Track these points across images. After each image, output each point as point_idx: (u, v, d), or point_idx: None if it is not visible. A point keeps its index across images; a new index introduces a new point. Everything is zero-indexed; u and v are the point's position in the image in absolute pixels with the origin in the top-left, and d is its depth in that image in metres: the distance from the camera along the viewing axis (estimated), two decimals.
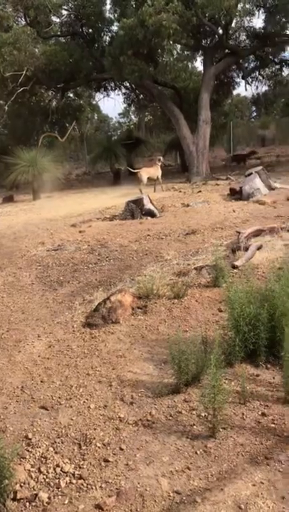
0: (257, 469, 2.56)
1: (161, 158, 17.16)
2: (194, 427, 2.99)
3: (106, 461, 2.74)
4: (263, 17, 19.80)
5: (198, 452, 2.75)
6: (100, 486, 2.55)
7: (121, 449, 2.83)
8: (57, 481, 2.63)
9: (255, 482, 2.47)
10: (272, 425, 2.91)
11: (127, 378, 3.65)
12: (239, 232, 7.40)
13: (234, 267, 5.94)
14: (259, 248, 6.65)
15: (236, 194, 12.68)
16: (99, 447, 2.87)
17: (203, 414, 3.03)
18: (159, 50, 18.40)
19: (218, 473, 2.57)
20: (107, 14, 20.91)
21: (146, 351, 4.08)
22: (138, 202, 10.90)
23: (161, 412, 3.18)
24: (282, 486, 2.42)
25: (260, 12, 19.62)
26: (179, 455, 2.75)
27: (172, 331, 4.31)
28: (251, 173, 12.77)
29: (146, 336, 4.41)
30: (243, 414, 3.05)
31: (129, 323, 4.69)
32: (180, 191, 15.54)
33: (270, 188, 12.66)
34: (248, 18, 19.47)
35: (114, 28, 20.64)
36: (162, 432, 2.98)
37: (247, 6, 17.46)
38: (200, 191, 14.83)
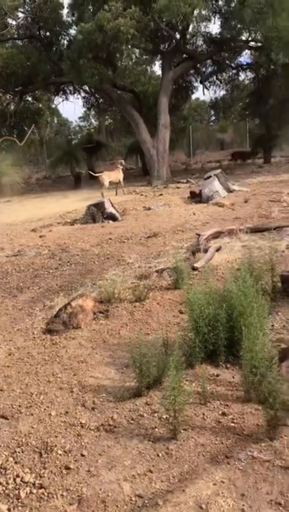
0: (217, 468, 2.59)
1: (123, 161, 17.21)
2: (156, 429, 3.00)
3: (67, 468, 2.71)
4: (218, 23, 20.17)
5: (160, 455, 2.75)
6: (61, 495, 2.52)
7: (82, 456, 2.81)
8: (17, 491, 2.58)
9: (216, 481, 2.49)
10: (232, 424, 2.95)
11: (89, 384, 3.62)
12: (199, 235, 7.50)
13: (194, 268, 6.01)
14: (218, 250, 6.76)
15: (196, 197, 12.86)
16: (60, 455, 2.84)
17: (164, 417, 3.04)
18: (118, 55, 18.46)
19: (180, 474, 2.58)
20: (65, 18, 20.81)
21: (107, 356, 4.07)
22: (99, 206, 10.88)
23: (123, 416, 3.17)
24: (241, 484, 2.46)
25: (216, 18, 19.98)
26: (141, 458, 2.75)
27: (134, 335, 4.31)
28: (210, 176, 12.97)
29: (107, 340, 4.39)
30: (203, 414, 3.08)
31: (90, 328, 4.66)
32: (141, 194, 15.61)
33: (229, 191, 12.89)
34: (204, 23, 19.77)
35: (72, 31, 20.57)
36: (124, 435, 2.97)
37: (203, 12, 17.71)
38: (161, 194, 14.95)
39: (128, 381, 3.55)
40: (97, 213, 10.73)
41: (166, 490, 2.48)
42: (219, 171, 13.83)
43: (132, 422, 3.11)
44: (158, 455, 2.75)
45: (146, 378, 3.38)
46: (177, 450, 2.77)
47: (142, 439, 2.91)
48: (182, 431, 2.92)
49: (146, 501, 2.41)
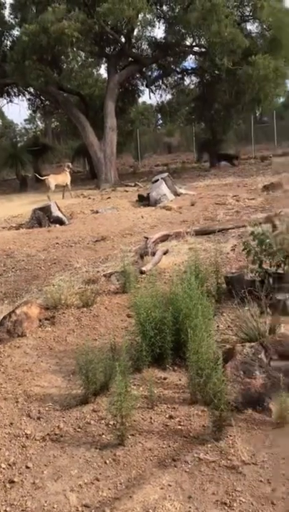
0: (165, 472, 2.59)
1: (70, 164, 17.03)
2: (103, 436, 2.97)
3: (11, 482, 2.63)
4: (163, 27, 20.43)
5: (107, 462, 2.72)
6: (5, 510, 2.44)
7: (27, 468, 2.73)
8: None
9: (163, 485, 2.49)
10: (179, 427, 2.96)
11: (34, 393, 3.54)
12: (147, 238, 7.53)
13: (142, 272, 6.01)
14: (165, 253, 6.81)
15: (144, 200, 12.93)
16: (4, 468, 2.74)
17: (111, 423, 3.02)
18: (63, 57, 18.30)
19: (127, 480, 2.56)
20: (7, 18, 20.38)
21: (54, 363, 3.99)
22: (45, 209, 10.70)
23: (69, 425, 3.12)
24: (188, 486, 2.47)
25: (161, 23, 20.23)
26: (88, 467, 2.70)
27: (81, 341, 4.25)
28: (158, 180, 13.07)
29: (54, 347, 4.31)
30: (151, 418, 3.08)
31: (36, 336, 4.56)
32: (89, 198, 15.51)
33: (176, 194, 13.05)
34: (149, 28, 19.97)
35: (16, 32, 20.18)
36: (71, 444, 2.92)
37: (148, 16, 17.87)
38: (109, 198, 14.92)
39: (75, 388, 3.49)
40: (43, 217, 10.55)
41: (114, 497, 2.45)
42: (166, 174, 13.98)
43: (79, 430, 3.06)
44: (105, 462, 2.72)
45: (93, 385, 3.34)
46: (124, 456, 2.75)
47: (88, 447, 2.87)
48: (130, 436, 2.90)
49: (93, 511, 2.38)
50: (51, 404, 3.37)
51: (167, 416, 3.09)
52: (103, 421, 3.10)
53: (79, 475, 2.64)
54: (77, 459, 2.78)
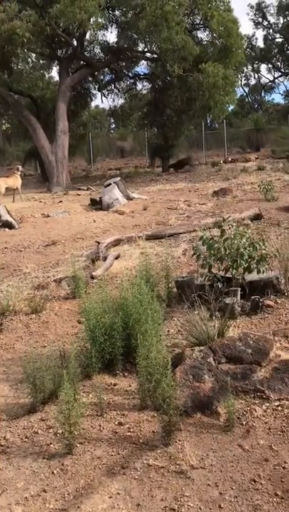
0: (113, 480, 2.56)
1: (20, 167, 16.67)
2: (51, 445, 2.90)
3: None
4: (115, 32, 20.48)
5: (54, 472, 2.66)
6: None
7: None
8: None
9: (112, 494, 2.46)
10: (129, 433, 2.94)
11: None
12: (99, 242, 7.48)
13: (93, 277, 5.97)
14: (117, 257, 6.79)
15: (97, 204, 12.86)
16: None
17: (60, 432, 2.95)
18: (14, 58, 17.96)
19: (75, 490, 2.51)
20: None
21: (1, 372, 3.88)
22: None
23: (16, 435, 3.03)
24: (137, 494, 2.45)
25: (113, 27, 20.27)
26: (35, 478, 2.63)
27: (29, 348, 4.14)
28: (110, 184, 13.04)
29: (1, 355, 4.19)
30: (100, 426, 3.04)
31: None
32: (40, 201, 15.26)
33: (129, 198, 13.06)
34: (101, 32, 19.95)
35: None
36: (17, 455, 2.83)
37: (100, 20, 17.83)
38: (61, 201, 14.73)
39: (22, 397, 3.40)
40: None
41: (61, 509, 2.40)
42: (119, 178, 13.97)
43: (26, 440, 2.98)
44: (53, 473, 2.66)
45: (41, 393, 3.27)
46: (73, 465, 2.70)
47: (36, 458, 2.80)
48: (78, 445, 2.85)
49: None
50: None
51: (117, 423, 3.06)
52: (51, 430, 3.04)
53: (25, 487, 2.57)
54: (23, 470, 2.70)
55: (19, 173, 15.64)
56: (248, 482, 2.47)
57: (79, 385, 3.33)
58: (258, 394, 3.15)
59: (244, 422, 2.94)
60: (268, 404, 3.07)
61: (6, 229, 10.24)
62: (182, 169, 22.12)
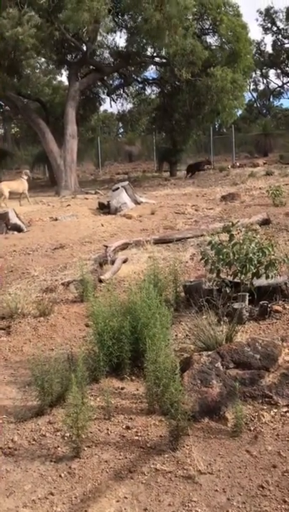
0: (121, 484, 2.55)
1: (28, 171, 16.73)
2: (59, 448, 2.90)
3: None
4: (125, 37, 20.57)
5: (62, 475, 2.66)
6: None
7: None
8: None
9: (119, 498, 2.46)
10: (136, 437, 2.94)
11: None
12: (106, 246, 7.49)
13: (101, 280, 5.97)
14: (125, 261, 6.79)
15: (105, 208, 12.89)
16: None
17: (67, 435, 2.95)
18: (24, 63, 18.10)
19: (83, 494, 2.51)
20: None
21: (9, 374, 3.89)
22: (3, 216, 10.49)
23: (24, 438, 3.04)
24: (144, 498, 2.44)
25: (122, 32, 20.36)
26: (42, 481, 2.64)
27: (37, 351, 4.15)
28: (118, 188, 13.07)
29: (9, 358, 4.20)
30: (107, 429, 3.04)
31: None
32: (48, 205, 15.32)
33: (136, 203, 13.08)
34: (110, 36, 20.06)
35: None
36: (25, 458, 2.84)
37: (109, 24, 17.94)
38: (69, 205, 14.78)
39: (30, 400, 3.41)
40: (0, 224, 10.33)
41: None
42: (127, 182, 14.00)
43: (34, 442, 2.99)
44: (60, 476, 2.66)
45: (49, 396, 3.27)
46: (80, 469, 2.70)
47: (43, 461, 2.80)
48: (86, 448, 2.86)
49: None
50: (5, 417, 3.28)
51: (124, 427, 3.06)
52: (59, 433, 3.04)
53: (33, 490, 2.57)
54: (31, 473, 2.71)
55: (26, 177, 15.67)
56: (256, 488, 2.45)
57: (87, 389, 3.33)
58: (266, 399, 3.13)
59: (252, 428, 2.93)
60: (276, 410, 3.06)
61: (15, 232, 10.29)
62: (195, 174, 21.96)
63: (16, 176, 17.55)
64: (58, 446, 2.92)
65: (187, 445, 2.80)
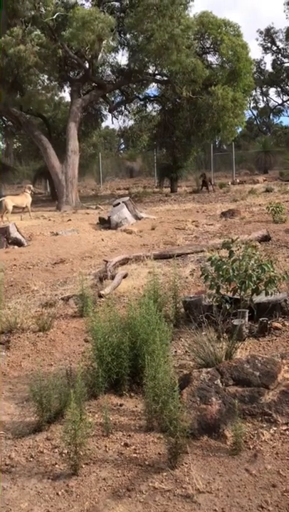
0: (119, 503, 2.52)
1: (31, 186, 16.87)
2: (56, 466, 2.88)
3: None
4: (127, 55, 20.88)
5: (59, 493, 2.63)
6: None
7: None
8: None
9: None
10: (135, 455, 2.91)
11: None
12: (107, 261, 7.50)
13: (100, 295, 5.97)
14: (125, 276, 6.80)
15: (105, 223, 12.94)
16: None
17: (65, 452, 2.93)
18: (26, 79, 18.35)
19: None
20: None
21: (7, 389, 3.87)
22: (4, 230, 10.52)
23: (21, 454, 3.01)
24: None
25: (125, 50, 20.68)
26: (39, 499, 2.61)
27: (36, 366, 4.14)
28: (119, 203, 13.13)
29: (8, 373, 4.18)
30: (106, 446, 3.01)
31: None
32: (49, 219, 15.38)
33: (137, 218, 13.13)
34: (112, 54, 20.36)
35: None
36: (22, 475, 2.81)
37: (111, 43, 18.23)
38: (70, 220, 14.84)
39: (28, 416, 3.39)
40: (1, 238, 10.35)
41: None
42: (128, 198, 14.07)
43: (31, 459, 2.96)
44: (57, 494, 2.63)
45: (47, 412, 3.25)
46: (78, 487, 2.67)
47: (40, 478, 2.77)
48: (84, 465, 2.83)
49: None
50: (3, 433, 3.25)
51: (122, 444, 3.03)
52: (57, 450, 3.02)
53: (29, 508, 2.54)
54: (28, 490, 2.68)
55: (29, 192, 15.81)
56: (256, 508, 2.43)
57: (85, 405, 3.32)
58: (266, 417, 3.11)
59: (251, 446, 2.90)
60: (275, 428, 3.04)
61: (16, 246, 10.31)
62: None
63: (18, 191, 17.66)
64: (56, 464, 2.89)
65: (186, 463, 2.77)
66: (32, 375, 3.41)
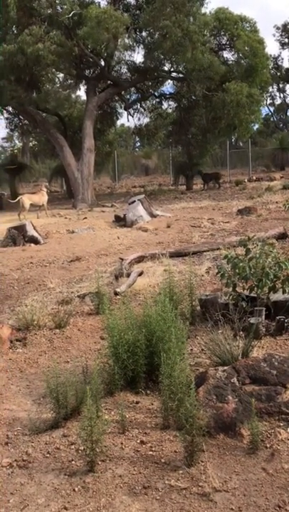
0: (135, 500, 2.53)
1: (47, 184, 16.99)
2: (73, 462, 2.89)
3: None
4: (142, 53, 20.85)
5: (76, 489, 2.65)
6: None
7: None
8: None
9: None
10: (151, 452, 2.91)
11: (3, 417, 3.44)
12: (122, 259, 7.51)
13: (116, 293, 5.98)
14: (140, 274, 6.79)
15: (121, 221, 12.96)
16: None
17: (82, 448, 2.94)
18: (44, 78, 18.45)
19: (96, 509, 2.49)
20: None
21: (24, 386, 3.90)
22: (20, 228, 10.61)
23: (38, 450, 3.03)
24: None
25: (140, 48, 20.64)
26: (56, 495, 2.62)
27: (52, 363, 4.16)
28: (134, 201, 13.14)
29: (24, 369, 4.22)
30: (122, 443, 3.02)
31: (6, 358, 4.46)
32: (65, 218, 15.46)
33: (152, 216, 13.12)
34: (128, 52, 20.35)
35: None
36: (39, 471, 2.83)
37: (126, 41, 18.22)
38: (85, 218, 14.90)
39: (45, 412, 3.41)
40: (18, 236, 10.44)
41: None
42: (143, 196, 14.07)
43: (48, 455, 2.98)
44: (74, 490, 2.65)
45: (64, 409, 3.27)
46: (94, 483, 2.68)
47: (57, 474, 2.79)
48: (100, 462, 2.84)
49: None
50: (20, 429, 3.28)
51: (139, 441, 3.03)
52: (73, 446, 3.03)
53: (46, 504, 2.56)
54: (45, 486, 2.70)
55: (45, 190, 15.91)
56: (273, 508, 2.41)
57: (101, 402, 3.32)
58: (283, 416, 3.08)
59: (268, 445, 2.88)
60: None
61: (32, 244, 10.39)
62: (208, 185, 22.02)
63: (34, 189, 17.78)
64: (72, 460, 2.91)
65: (202, 461, 2.76)
66: (48, 371, 3.43)
